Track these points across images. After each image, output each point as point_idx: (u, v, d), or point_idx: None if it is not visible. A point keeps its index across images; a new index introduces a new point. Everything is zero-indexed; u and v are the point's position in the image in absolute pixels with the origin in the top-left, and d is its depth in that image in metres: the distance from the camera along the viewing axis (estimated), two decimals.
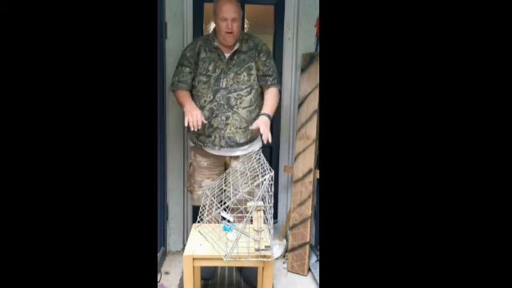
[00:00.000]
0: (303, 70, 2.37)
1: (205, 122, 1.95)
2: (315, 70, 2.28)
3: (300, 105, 2.35)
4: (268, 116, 1.98)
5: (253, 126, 1.92)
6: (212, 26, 2.10)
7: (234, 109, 2.00)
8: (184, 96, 2.05)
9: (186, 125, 1.89)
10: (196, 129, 1.90)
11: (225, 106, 1.99)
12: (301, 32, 2.42)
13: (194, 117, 1.87)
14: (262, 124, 1.91)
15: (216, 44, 2.01)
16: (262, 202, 1.58)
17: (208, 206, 1.76)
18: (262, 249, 1.53)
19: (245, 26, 2.60)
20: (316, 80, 2.26)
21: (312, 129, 2.28)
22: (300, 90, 2.37)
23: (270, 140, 1.90)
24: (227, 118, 2.00)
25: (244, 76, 2.01)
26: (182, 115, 2.08)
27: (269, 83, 2.06)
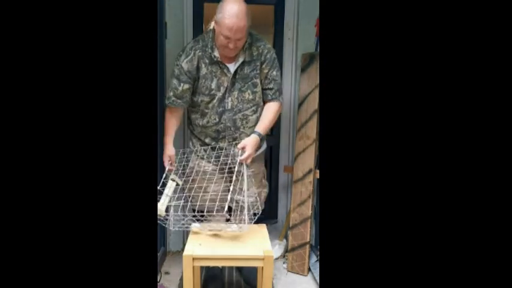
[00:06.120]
0: (303, 70, 2.37)
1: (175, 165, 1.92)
2: (315, 70, 2.28)
3: (300, 105, 2.35)
4: (259, 134, 1.86)
5: (240, 145, 1.80)
6: (212, 24, 1.86)
7: (241, 129, 1.91)
8: (170, 125, 1.93)
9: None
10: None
11: (232, 128, 1.90)
12: (301, 32, 2.42)
13: (165, 164, 1.91)
14: (249, 146, 1.79)
15: (216, 55, 1.80)
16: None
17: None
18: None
19: None
20: (316, 80, 2.26)
21: (312, 129, 2.28)
22: (300, 90, 2.37)
23: (248, 162, 1.81)
24: (234, 139, 1.91)
25: (248, 94, 1.86)
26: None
27: (269, 97, 1.92)
